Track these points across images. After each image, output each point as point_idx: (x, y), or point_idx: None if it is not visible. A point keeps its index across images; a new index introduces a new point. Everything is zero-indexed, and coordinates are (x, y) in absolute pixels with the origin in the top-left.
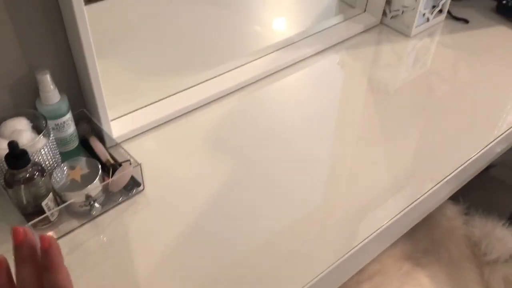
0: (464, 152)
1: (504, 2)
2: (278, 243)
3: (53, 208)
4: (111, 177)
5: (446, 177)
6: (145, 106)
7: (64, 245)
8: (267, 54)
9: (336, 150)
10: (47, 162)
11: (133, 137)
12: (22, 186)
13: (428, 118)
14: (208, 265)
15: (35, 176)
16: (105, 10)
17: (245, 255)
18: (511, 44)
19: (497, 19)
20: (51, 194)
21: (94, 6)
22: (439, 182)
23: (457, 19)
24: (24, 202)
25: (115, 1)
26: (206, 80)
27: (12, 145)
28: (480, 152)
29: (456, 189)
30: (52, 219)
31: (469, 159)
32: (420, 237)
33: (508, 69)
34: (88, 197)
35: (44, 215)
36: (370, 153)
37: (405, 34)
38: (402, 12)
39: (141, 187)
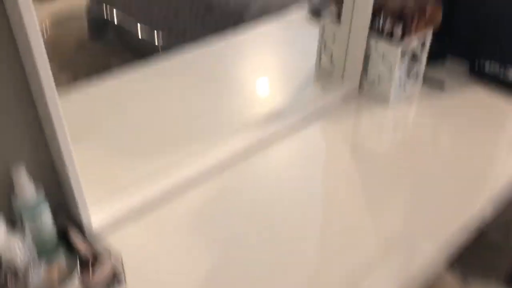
0: (454, 218)
1: (475, 65)
2: None
3: None
4: (91, 273)
5: (438, 247)
6: (126, 193)
7: None
8: (246, 130)
9: (323, 220)
10: (21, 262)
11: (113, 225)
12: None
13: (413, 185)
14: None
15: (8, 280)
16: (82, 92)
17: None
18: (486, 106)
19: (471, 80)
20: None
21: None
22: (431, 251)
23: (432, 85)
24: None
25: (90, 84)
26: (184, 161)
27: None
28: (470, 217)
29: (450, 255)
30: None
31: (459, 225)
32: None
33: (486, 132)
34: None
35: None
36: (357, 222)
37: (383, 102)
38: (379, 82)
39: (122, 285)
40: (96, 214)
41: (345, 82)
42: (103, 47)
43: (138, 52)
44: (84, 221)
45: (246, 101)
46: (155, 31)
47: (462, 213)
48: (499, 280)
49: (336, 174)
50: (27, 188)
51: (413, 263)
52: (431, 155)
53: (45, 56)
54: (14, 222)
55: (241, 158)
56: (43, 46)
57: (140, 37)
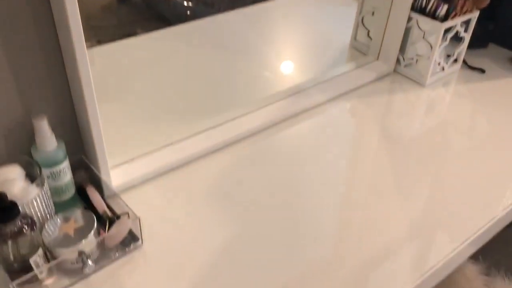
0: (485, 212)
1: None
2: None
3: (42, 265)
4: (107, 231)
5: (465, 240)
6: (147, 153)
7: None
8: (276, 101)
9: (347, 202)
10: (38, 214)
11: (133, 186)
12: (9, 241)
13: (444, 171)
14: None
15: (24, 230)
16: (109, 53)
17: None
18: None
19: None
20: (40, 250)
21: (97, 49)
22: (459, 246)
23: (473, 68)
24: (11, 258)
25: (120, 44)
26: (212, 127)
27: (1, 196)
28: (503, 213)
29: (476, 249)
30: (40, 277)
31: (490, 221)
32: None
33: None
34: (81, 253)
35: (32, 273)
36: (382, 206)
37: (419, 83)
38: (416, 61)
39: (139, 242)
40: (116, 173)
41: (380, 59)
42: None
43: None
44: (104, 179)
45: (275, 73)
46: None
47: (492, 206)
48: None
49: (363, 154)
50: (48, 141)
51: (433, 252)
52: (464, 142)
53: (76, 4)
54: (33, 174)
55: (267, 130)
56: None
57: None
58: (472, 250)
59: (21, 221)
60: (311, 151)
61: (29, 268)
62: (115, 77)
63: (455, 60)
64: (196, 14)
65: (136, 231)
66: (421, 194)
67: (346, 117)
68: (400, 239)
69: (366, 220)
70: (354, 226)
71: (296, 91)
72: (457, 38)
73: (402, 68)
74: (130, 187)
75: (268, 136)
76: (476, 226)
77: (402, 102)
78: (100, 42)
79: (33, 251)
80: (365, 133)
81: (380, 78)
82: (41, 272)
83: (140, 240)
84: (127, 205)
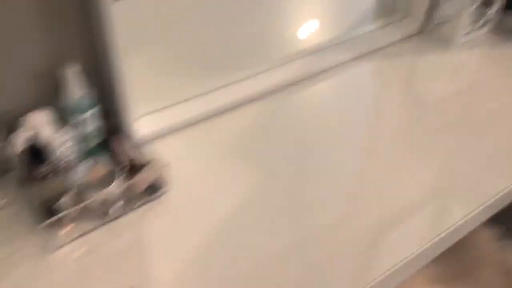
0: (506, 177)
1: None
2: (301, 253)
3: (70, 207)
4: (133, 178)
5: (483, 204)
6: (173, 105)
7: (79, 247)
8: (299, 59)
9: (367, 162)
10: (67, 159)
11: (158, 137)
12: (40, 183)
13: (467, 136)
14: (229, 272)
15: (54, 173)
16: (136, 5)
17: (269, 262)
18: None
19: None
20: (68, 193)
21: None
22: (476, 209)
23: (505, 31)
24: (41, 199)
25: None
26: (237, 82)
27: (32, 140)
28: None
29: (491, 215)
30: (68, 218)
31: (508, 187)
32: (450, 260)
33: None
34: (107, 197)
35: (61, 214)
36: (402, 168)
37: (448, 44)
38: (446, 21)
39: (164, 190)
40: (143, 123)
41: (407, 20)
42: None
43: None
44: (130, 127)
45: (299, 30)
46: None
47: (509, 175)
48: None
49: (385, 115)
50: (75, 88)
51: (450, 214)
52: (490, 107)
53: None
54: (61, 121)
55: (290, 87)
56: None
57: None
58: (489, 214)
59: (50, 164)
60: (332, 110)
61: (58, 210)
62: (144, 28)
63: (487, 22)
64: None
65: (161, 179)
66: (441, 157)
67: (370, 77)
68: (418, 200)
69: (386, 180)
70: (374, 184)
71: (319, 49)
72: (488, 1)
73: (430, 28)
74: (156, 137)
75: (291, 93)
76: (494, 191)
77: (428, 64)
78: None
79: (62, 194)
80: (388, 94)
81: (407, 38)
82: (69, 214)
83: (165, 188)
84: (152, 154)
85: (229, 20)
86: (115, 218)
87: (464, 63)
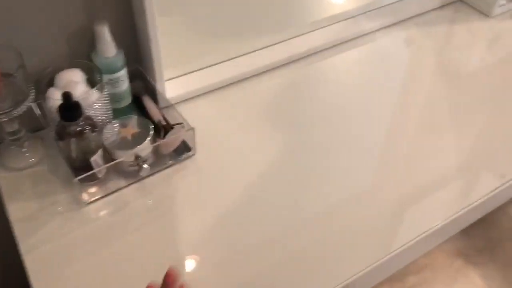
0: None
1: None
2: (327, 221)
3: (101, 165)
4: (163, 139)
5: (507, 178)
6: (202, 68)
7: (109, 203)
8: (330, 25)
9: (395, 133)
10: (99, 117)
11: (187, 99)
12: (73, 139)
13: (502, 109)
14: (255, 235)
15: (86, 130)
16: None
17: (294, 228)
18: None
19: None
20: (100, 151)
21: None
22: (508, 181)
23: None
24: (74, 155)
25: None
26: (266, 47)
27: (66, 96)
28: None
29: None
30: (99, 175)
31: None
32: (475, 234)
33: None
34: (137, 157)
35: (92, 171)
36: (432, 140)
37: (485, 13)
38: None
39: (192, 152)
40: (172, 85)
41: None
42: None
43: None
44: (159, 89)
45: None
46: None
47: None
48: None
49: (417, 85)
50: (108, 47)
51: (479, 186)
52: None
53: None
54: (93, 79)
55: (320, 53)
56: None
57: None
58: None
59: (83, 121)
60: (362, 78)
61: (90, 167)
62: None
63: None
64: None
65: (190, 141)
66: (474, 130)
67: (401, 47)
68: (448, 172)
69: (415, 151)
70: (402, 156)
71: (351, 15)
72: None
73: None
74: (184, 100)
75: (320, 60)
76: None
77: (464, 34)
78: None
79: (94, 151)
80: (421, 64)
81: (442, 6)
82: (100, 171)
83: (193, 150)
84: (181, 116)
85: None
86: (145, 177)
87: (501, 32)
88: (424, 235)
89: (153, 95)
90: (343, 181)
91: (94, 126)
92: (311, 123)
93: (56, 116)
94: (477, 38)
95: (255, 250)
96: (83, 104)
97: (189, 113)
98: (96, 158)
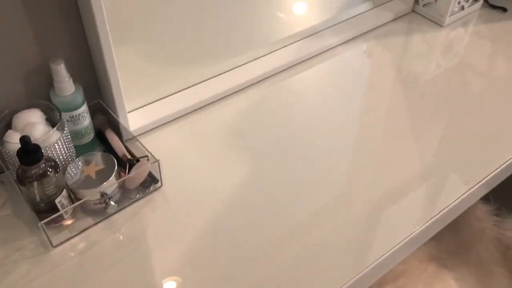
0: (501, 153)
1: None
2: (298, 241)
3: (67, 206)
4: (128, 173)
5: (480, 181)
6: (164, 97)
7: (78, 244)
8: (291, 43)
9: (361, 143)
10: (61, 157)
11: (151, 129)
12: (35, 182)
13: (461, 114)
14: (226, 264)
15: (48, 173)
16: None
17: (265, 252)
18: None
19: None
20: (64, 191)
21: None
22: (473, 187)
23: (494, 7)
24: (37, 199)
25: None
26: (228, 71)
27: (24, 140)
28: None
29: (488, 190)
30: (66, 216)
31: (506, 161)
32: (447, 238)
33: None
34: (103, 194)
35: (58, 213)
36: (397, 148)
37: (438, 23)
38: (435, 0)
39: (159, 184)
40: (134, 116)
41: (398, 0)
42: None
43: None
44: (122, 122)
45: (290, 14)
46: None
47: (505, 149)
48: None
49: (379, 95)
50: (66, 85)
51: (446, 192)
52: (483, 84)
53: None
54: (53, 119)
55: (282, 73)
56: None
57: None
58: (484, 191)
59: (45, 163)
60: (327, 93)
61: (54, 209)
62: (132, 19)
63: None
64: None
65: (156, 173)
66: (435, 136)
67: (362, 59)
68: (414, 180)
69: (380, 161)
70: (368, 166)
71: (311, 33)
72: None
73: (420, 7)
74: (149, 130)
75: (283, 79)
76: (489, 168)
77: (420, 43)
78: None
79: (58, 192)
80: (381, 74)
81: (397, 18)
82: (66, 212)
83: (159, 182)
84: (146, 148)
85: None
86: (113, 214)
87: (454, 40)
88: (394, 248)
89: (117, 128)
90: (313, 199)
91: (56, 166)
92: (278, 142)
93: (16, 160)
94: (432, 46)
95: (228, 278)
96: (44, 145)
97: (154, 143)
98: (61, 199)
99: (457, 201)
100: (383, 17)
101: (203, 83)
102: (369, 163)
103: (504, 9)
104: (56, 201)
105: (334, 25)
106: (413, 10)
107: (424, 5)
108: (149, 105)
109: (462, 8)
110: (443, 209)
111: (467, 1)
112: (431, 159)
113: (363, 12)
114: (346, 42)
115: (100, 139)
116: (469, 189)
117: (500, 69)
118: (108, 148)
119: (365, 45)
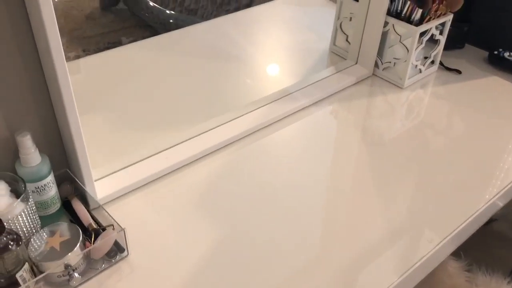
0: (464, 209)
1: (495, 52)
2: None
3: (28, 280)
4: (93, 243)
5: (446, 237)
6: (132, 164)
7: None
8: (259, 107)
9: (330, 205)
10: (24, 229)
11: (118, 197)
12: None
13: (425, 172)
14: None
15: (10, 246)
16: (94, 63)
17: None
18: (504, 94)
19: (489, 69)
20: (26, 265)
21: (83, 60)
22: (440, 243)
23: (449, 69)
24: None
25: (101, 55)
26: (196, 135)
27: None
28: (482, 208)
29: (457, 245)
30: None
31: (470, 217)
32: None
33: (503, 120)
34: (67, 266)
35: (21, 287)
36: (365, 208)
37: (397, 85)
38: (394, 64)
39: (125, 253)
40: (101, 184)
41: (359, 63)
42: (114, 18)
43: (150, 23)
44: (88, 191)
45: (257, 80)
46: (168, 2)
47: (470, 204)
48: (505, 270)
49: (345, 157)
50: (31, 156)
51: (416, 251)
52: (443, 142)
53: (53, 17)
54: (18, 190)
55: (249, 137)
56: (51, 6)
57: (152, 8)
58: (453, 247)
59: (6, 237)
60: (295, 155)
61: (16, 284)
62: (100, 87)
63: (432, 62)
64: (180, 21)
65: (122, 242)
66: (402, 194)
67: (329, 121)
68: (383, 238)
69: (350, 222)
70: (338, 227)
71: (280, 96)
72: (433, 40)
73: (380, 71)
74: (115, 198)
75: (253, 141)
76: (456, 223)
77: (381, 104)
78: (85, 51)
79: (20, 266)
80: (347, 135)
81: (360, 81)
82: (27, 287)
83: (126, 251)
84: (112, 217)
85: (185, 74)
86: (76, 286)
87: (414, 101)
88: None
89: (83, 197)
90: (285, 264)
91: (19, 239)
92: (249, 205)
93: None
94: (394, 107)
95: None
96: (7, 217)
97: (121, 212)
98: (23, 274)
99: (424, 259)
100: (346, 80)
101: (173, 148)
102: (340, 224)
103: (458, 71)
104: (17, 275)
105: (300, 89)
106: (373, 74)
107: (383, 69)
108: (117, 172)
109: (420, 71)
110: (410, 268)
111: (424, 65)
112: (398, 218)
113: (327, 77)
114: (312, 105)
115: (67, 208)
116: (435, 247)
117: (457, 127)
118: (75, 218)
119: (331, 107)
